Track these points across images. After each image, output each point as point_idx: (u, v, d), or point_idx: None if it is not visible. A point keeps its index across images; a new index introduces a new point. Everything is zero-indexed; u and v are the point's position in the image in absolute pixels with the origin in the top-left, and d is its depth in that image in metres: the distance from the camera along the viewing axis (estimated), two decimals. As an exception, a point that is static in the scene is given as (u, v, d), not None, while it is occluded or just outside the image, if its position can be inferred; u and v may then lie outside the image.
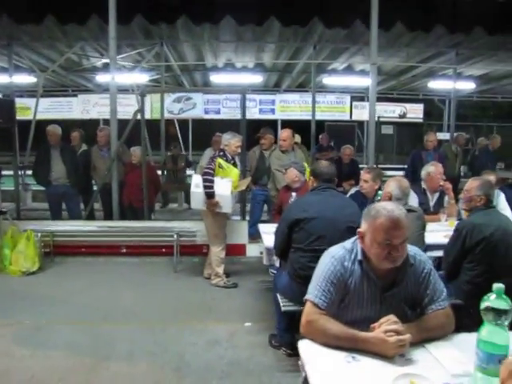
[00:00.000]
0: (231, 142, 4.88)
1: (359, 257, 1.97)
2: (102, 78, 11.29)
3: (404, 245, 1.90)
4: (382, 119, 11.44)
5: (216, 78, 11.68)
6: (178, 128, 13.50)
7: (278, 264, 3.49)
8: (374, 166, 6.81)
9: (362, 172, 4.54)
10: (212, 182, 4.72)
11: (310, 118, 13.19)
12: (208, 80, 12.38)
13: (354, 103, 13.64)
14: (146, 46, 9.58)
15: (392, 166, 12.72)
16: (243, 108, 5.94)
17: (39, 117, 10.20)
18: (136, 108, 12.22)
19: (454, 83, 10.21)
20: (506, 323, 1.53)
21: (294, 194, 4.24)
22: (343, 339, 1.81)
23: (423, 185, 4.67)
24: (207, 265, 5.07)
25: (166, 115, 13.07)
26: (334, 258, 1.99)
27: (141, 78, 11.13)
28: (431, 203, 4.62)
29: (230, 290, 4.80)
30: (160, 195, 9.03)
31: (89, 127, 13.27)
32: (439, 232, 3.98)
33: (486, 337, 1.54)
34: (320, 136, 9.59)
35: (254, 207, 6.03)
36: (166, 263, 5.58)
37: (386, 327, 1.77)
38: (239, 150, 5.03)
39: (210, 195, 4.72)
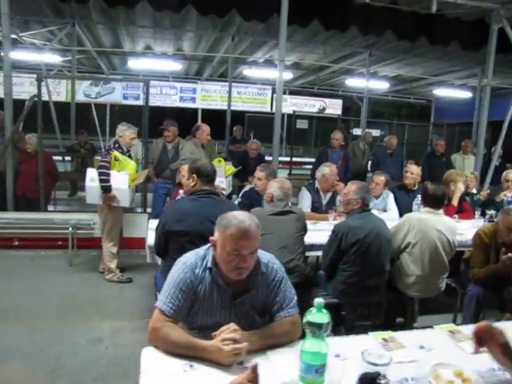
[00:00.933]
0: (125, 133, 4.79)
1: (209, 264, 1.98)
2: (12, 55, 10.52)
3: (253, 256, 1.92)
4: (298, 113, 11.65)
5: (134, 64, 11.33)
6: (94, 112, 12.95)
7: (159, 262, 3.45)
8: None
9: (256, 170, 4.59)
10: (108, 175, 4.60)
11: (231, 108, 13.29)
12: (126, 65, 11.97)
13: (275, 95, 13.76)
14: (57, 25, 9.10)
15: (310, 160, 13.06)
16: (146, 97, 5.89)
17: None
18: (50, 88, 11.70)
19: (366, 82, 10.61)
20: (325, 335, 1.61)
21: (181, 191, 4.18)
22: (183, 347, 1.81)
23: (317, 184, 4.81)
24: (101, 259, 4.94)
25: (83, 99, 12.60)
26: (185, 264, 1.99)
27: (53, 58, 10.56)
28: (324, 202, 4.78)
29: (123, 286, 4.71)
30: (69, 183, 8.68)
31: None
32: (326, 231, 4.12)
33: (306, 348, 1.61)
34: (234, 128, 9.61)
35: (155, 200, 5.94)
36: (62, 257, 5.37)
37: (223, 336, 1.80)
38: (134, 142, 4.98)
39: (106, 189, 4.60)
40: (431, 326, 3.04)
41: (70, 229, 5.23)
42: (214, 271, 1.96)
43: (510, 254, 3.36)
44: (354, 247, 3.30)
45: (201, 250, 2.06)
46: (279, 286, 2.08)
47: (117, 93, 12.83)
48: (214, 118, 13.77)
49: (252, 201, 4.51)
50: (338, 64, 11.02)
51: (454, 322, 3.96)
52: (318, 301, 1.65)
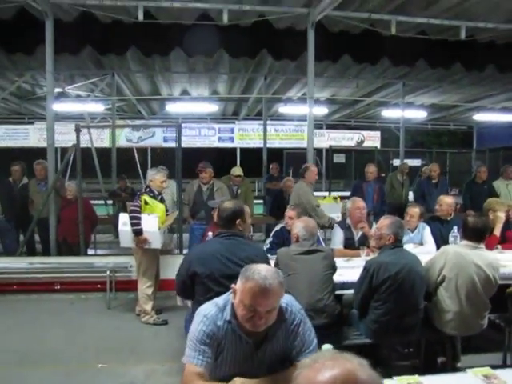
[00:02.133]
0: (156, 177, 4.97)
1: (228, 317, 1.96)
2: (57, 106, 11.19)
3: (271, 313, 1.88)
4: (335, 147, 11.64)
5: (172, 108, 11.74)
6: (136, 156, 13.42)
7: (189, 305, 3.45)
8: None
9: (287, 209, 4.59)
10: (139, 219, 4.73)
11: (269, 145, 13.46)
12: (164, 109, 12.44)
13: (307, 132, 13.83)
14: (99, 76, 9.62)
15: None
16: (179, 140, 6.07)
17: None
18: (94, 136, 12.27)
19: (402, 112, 10.51)
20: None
21: (210, 233, 4.21)
22: None
23: (348, 220, 4.74)
24: (138, 302, 5.01)
25: (125, 144, 13.12)
26: (206, 317, 1.98)
27: (97, 107, 11.12)
28: (356, 238, 4.68)
29: (158, 328, 4.73)
30: (112, 226, 8.93)
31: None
32: (359, 268, 4.02)
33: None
34: (271, 166, 9.68)
35: (191, 241, 6.00)
36: (101, 300, 5.49)
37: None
38: (164, 185, 5.12)
39: (137, 232, 4.73)
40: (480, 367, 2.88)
41: (108, 272, 5.35)
42: (233, 324, 1.95)
43: None
44: (385, 284, 3.19)
45: (220, 300, 2.05)
46: (297, 329, 2.05)
47: (157, 136, 13.28)
48: (252, 156, 14.00)
49: (284, 240, 4.47)
50: (373, 96, 10.99)
51: (504, 362, 3.72)
52: (326, 347, 1.60)
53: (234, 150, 13.75)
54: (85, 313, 5.15)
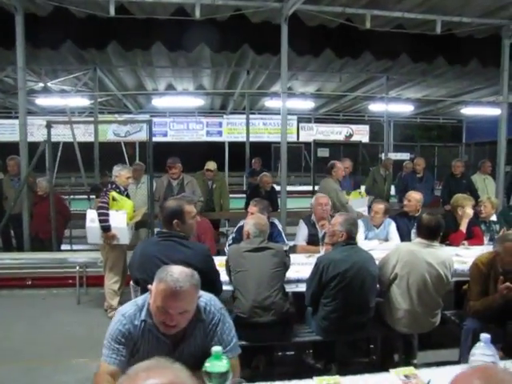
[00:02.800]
0: (121, 173, 5.00)
1: (143, 316, 1.99)
2: (41, 101, 11.20)
3: (184, 315, 1.90)
4: (319, 141, 11.62)
5: (158, 102, 11.73)
6: (124, 150, 13.43)
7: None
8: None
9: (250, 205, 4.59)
10: (107, 215, 4.76)
11: (257, 139, 13.46)
12: (151, 103, 12.42)
13: (301, 125, 13.86)
14: (82, 71, 9.59)
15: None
16: (150, 135, 6.06)
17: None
18: (82, 131, 12.27)
19: (386, 106, 10.50)
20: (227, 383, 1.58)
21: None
22: None
23: (312, 216, 4.74)
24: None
25: (113, 138, 13.11)
26: (123, 316, 2.01)
27: (82, 101, 11.10)
28: (320, 234, 4.69)
29: (123, 324, 4.75)
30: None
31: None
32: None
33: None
34: (253, 160, 9.68)
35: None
36: (72, 295, 5.50)
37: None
38: (130, 181, 5.18)
39: (106, 229, 4.76)
40: (435, 363, 2.90)
41: (78, 267, 5.37)
42: (148, 323, 1.97)
43: (507, 283, 3.17)
44: (334, 281, 3.21)
45: (139, 300, 2.07)
46: (215, 329, 2.06)
47: (145, 131, 13.19)
48: (241, 150, 13.97)
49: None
50: (358, 90, 10.97)
51: (460, 359, 3.73)
52: (216, 349, 1.62)
53: (222, 143, 13.74)
54: (54, 308, 5.16)
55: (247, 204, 7.27)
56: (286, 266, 3.43)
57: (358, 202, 6.34)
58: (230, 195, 7.82)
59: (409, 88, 11.09)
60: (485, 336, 1.73)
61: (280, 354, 3.92)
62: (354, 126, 13.96)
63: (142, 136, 13.37)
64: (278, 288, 3.30)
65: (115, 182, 4.96)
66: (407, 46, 8.36)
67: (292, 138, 13.89)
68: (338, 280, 3.19)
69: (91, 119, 10.92)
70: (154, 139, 13.25)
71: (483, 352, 1.73)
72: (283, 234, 4.59)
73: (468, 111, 12.82)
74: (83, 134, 12.84)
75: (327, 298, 3.27)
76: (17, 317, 4.92)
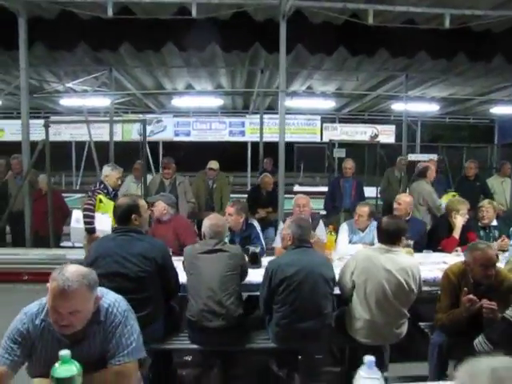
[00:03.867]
0: (112, 173, 4.99)
1: (43, 315, 1.97)
2: (65, 101, 11.52)
3: (76, 315, 1.87)
4: (334, 141, 11.37)
5: (177, 102, 11.81)
6: (148, 150, 13.61)
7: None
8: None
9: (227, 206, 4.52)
10: (92, 217, 4.78)
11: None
12: (170, 103, 12.54)
13: (325, 125, 13.61)
14: (100, 71, 9.78)
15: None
16: (144, 135, 6.05)
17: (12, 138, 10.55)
18: (106, 130, 12.54)
19: (404, 106, 10.14)
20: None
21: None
22: None
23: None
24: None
25: (137, 137, 13.34)
26: (25, 314, 2.00)
27: (103, 101, 11.33)
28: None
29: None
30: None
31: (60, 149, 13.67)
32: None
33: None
34: (264, 160, 9.57)
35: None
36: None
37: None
38: (119, 182, 5.17)
39: (90, 231, 4.78)
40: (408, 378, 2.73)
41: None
42: (48, 322, 1.94)
43: (469, 296, 2.96)
44: (282, 285, 3.08)
45: (45, 298, 2.03)
46: (115, 331, 2.01)
47: (168, 130, 13.41)
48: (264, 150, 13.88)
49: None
50: (379, 89, 10.65)
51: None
52: (63, 353, 1.57)
53: (245, 143, 13.69)
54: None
55: (248, 205, 7.19)
56: (242, 269, 3.33)
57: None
58: (236, 195, 7.77)
59: (432, 87, 10.65)
60: (369, 359, 1.59)
61: (245, 359, 3.82)
62: (379, 127, 13.56)
63: (165, 135, 13.56)
64: (231, 292, 3.19)
65: (104, 182, 4.96)
66: (425, 43, 8.07)
67: (315, 138, 13.67)
68: (285, 284, 3.06)
69: (107, 119, 11.08)
70: (178, 139, 13.59)
71: (366, 375, 1.59)
72: (261, 236, 4.49)
73: (499, 110, 12.19)
74: (108, 133, 13.12)
75: (277, 304, 3.15)
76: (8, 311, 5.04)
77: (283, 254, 3.30)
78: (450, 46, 8.09)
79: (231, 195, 7.73)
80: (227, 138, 13.54)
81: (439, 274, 3.51)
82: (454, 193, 6.71)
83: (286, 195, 14.36)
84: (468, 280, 3.11)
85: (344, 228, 4.59)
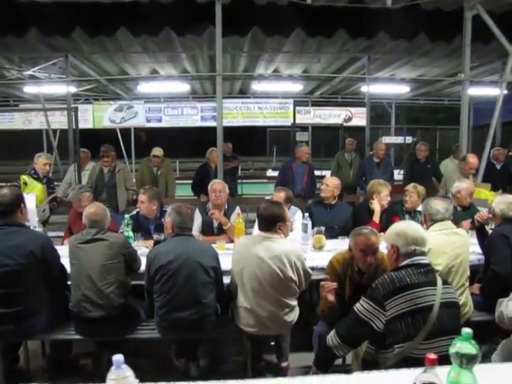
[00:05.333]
0: (39, 160, 5.43)
1: None
2: (29, 89, 11.39)
3: None
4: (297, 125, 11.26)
5: (143, 88, 11.68)
6: (120, 137, 13.54)
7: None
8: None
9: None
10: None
11: (253, 123, 13.22)
12: (136, 89, 12.40)
13: (298, 108, 13.40)
14: (57, 58, 9.62)
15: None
16: (76, 123, 6.04)
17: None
18: (80, 117, 12.36)
19: (367, 88, 9.99)
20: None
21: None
22: None
23: (208, 205, 4.53)
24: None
25: (109, 124, 13.24)
26: None
27: (70, 88, 11.18)
28: (215, 224, 4.48)
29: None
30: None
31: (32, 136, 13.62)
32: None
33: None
34: (223, 145, 9.44)
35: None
36: None
37: None
38: (47, 168, 5.50)
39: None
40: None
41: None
42: None
43: (325, 282, 2.91)
44: (158, 274, 3.03)
45: None
46: None
47: (140, 117, 13.26)
48: (236, 135, 13.77)
49: (137, 225, 4.35)
50: (345, 71, 10.47)
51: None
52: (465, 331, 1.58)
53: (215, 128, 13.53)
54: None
55: (194, 187, 7.08)
56: (126, 257, 3.26)
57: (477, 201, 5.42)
58: (187, 181, 7.71)
59: (399, 68, 10.47)
60: (116, 358, 1.52)
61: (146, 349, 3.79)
62: (353, 109, 13.34)
63: (137, 122, 13.43)
64: (111, 281, 3.14)
65: (34, 167, 5.37)
66: (384, 24, 7.91)
67: (288, 122, 13.48)
68: (161, 273, 3.02)
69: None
70: (149, 125, 13.45)
71: (115, 376, 1.52)
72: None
73: (471, 92, 11.99)
74: (79, 120, 13.00)
75: (156, 293, 3.11)
76: None
77: (163, 243, 3.24)
78: (409, 27, 7.94)
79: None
80: (199, 123, 13.38)
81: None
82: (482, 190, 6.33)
83: (261, 180, 14.29)
84: (353, 268, 3.05)
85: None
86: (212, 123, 13.40)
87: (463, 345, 1.59)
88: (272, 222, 3.08)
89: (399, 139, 12.42)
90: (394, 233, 2.42)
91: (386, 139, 12.99)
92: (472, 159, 6.05)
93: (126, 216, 4.15)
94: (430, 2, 6.77)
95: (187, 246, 3.10)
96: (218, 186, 4.46)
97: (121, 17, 7.68)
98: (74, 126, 6.04)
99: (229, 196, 6.32)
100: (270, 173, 13.09)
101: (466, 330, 1.60)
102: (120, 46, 8.97)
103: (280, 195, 4.42)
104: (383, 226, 4.56)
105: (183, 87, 11.71)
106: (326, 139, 13.46)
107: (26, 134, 13.81)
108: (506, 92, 12.09)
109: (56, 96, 11.63)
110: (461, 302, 3.22)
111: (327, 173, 8.96)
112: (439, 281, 2.28)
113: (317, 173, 7.53)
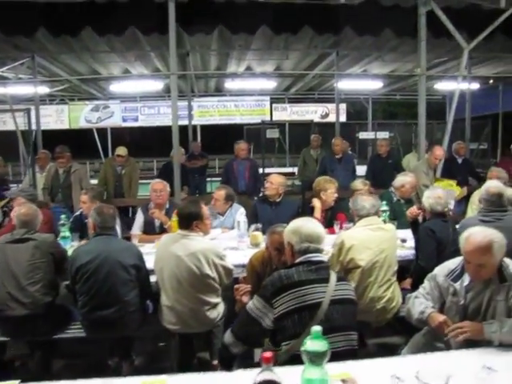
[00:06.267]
0: None
1: None
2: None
3: None
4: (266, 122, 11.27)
5: (116, 87, 11.65)
6: (96, 137, 13.51)
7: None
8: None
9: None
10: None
11: (230, 121, 13.20)
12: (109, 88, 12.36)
13: (274, 105, 13.45)
14: (24, 58, 9.57)
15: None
16: (29, 124, 5.99)
17: None
18: (54, 118, 12.33)
19: (335, 84, 10.01)
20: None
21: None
22: None
23: (150, 204, 4.53)
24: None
25: (85, 125, 13.22)
26: None
27: (41, 89, 11.15)
28: (157, 223, 4.48)
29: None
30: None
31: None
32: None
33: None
34: (193, 143, 9.50)
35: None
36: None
37: None
38: None
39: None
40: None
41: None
42: None
43: (238, 285, 2.92)
44: (78, 273, 3.05)
45: None
46: None
47: (116, 116, 13.24)
48: (213, 133, 13.79)
49: (81, 225, 4.35)
50: (317, 68, 10.48)
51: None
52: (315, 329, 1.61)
53: (193, 127, 13.52)
54: None
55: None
56: (55, 257, 3.26)
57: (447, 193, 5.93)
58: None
59: (370, 64, 10.48)
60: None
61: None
62: (330, 106, 13.37)
63: (113, 122, 13.41)
64: (37, 280, 3.15)
65: None
66: (348, 19, 7.92)
67: (265, 119, 13.49)
68: (81, 272, 3.05)
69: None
70: (125, 125, 13.44)
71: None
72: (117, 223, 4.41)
73: (442, 86, 12.08)
74: (55, 121, 13.00)
75: (78, 293, 3.12)
76: None
77: (86, 243, 3.25)
78: (374, 22, 7.96)
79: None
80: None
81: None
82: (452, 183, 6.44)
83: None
84: (272, 267, 3.06)
85: (205, 212, 4.50)
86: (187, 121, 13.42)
87: (313, 343, 1.60)
88: (189, 220, 3.09)
89: (371, 135, 12.45)
90: (290, 230, 2.42)
91: (364, 135, 13.05)
92: (438, 151, 6.28)
93: (62, 216, 4.13)
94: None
95: (108, 245, 3.11)
96: (158, 185, 4.46)
97: (84, 16, 7.63)
98: (28, 127, 5.92)
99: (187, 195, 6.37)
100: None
101: (316, 329, 1.62)
102: (87, 46, 8.93)
103: (220, 193, 4.44)
104: (327, 223, 4.61)
105: (157, 86, 11.68)
106: (303, 136, 13.44)
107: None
108: (478, 86, 12.24)
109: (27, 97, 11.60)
110: (386, 298, 3.28)
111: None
112: (333, 277, 2.28)
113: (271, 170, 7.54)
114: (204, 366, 3.60)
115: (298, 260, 2.33)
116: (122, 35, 8.27)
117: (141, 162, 15.00)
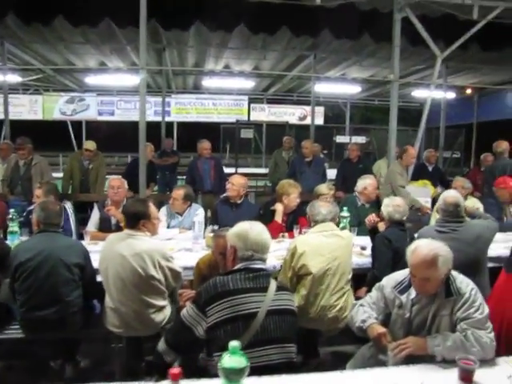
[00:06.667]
0: None
1: None
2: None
3: None
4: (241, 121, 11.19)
5: (92, 80, 11.43)
6: (71, 129, 13.25)
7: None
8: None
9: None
10: None
11: (207, 120, 13.07)
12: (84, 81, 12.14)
13: (252, 105, 13.36)
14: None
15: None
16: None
17: None
18: (27, 108, 12.06)
19: (312, 87, 9.96)
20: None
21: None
22: None
23: (107, 201, 4.41)
24: None
25: (59, 116, 12.94)
26: None
27: (12, 77, 10.84)
28: (113, 221, 4.36)
29: None
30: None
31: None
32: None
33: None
34: (165, 140, 9.37)
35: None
36: None
37: None
38: None
39: None
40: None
41: None
42: None
43: (182, 291, 2.88)
44: (17, 272, 2.92)
45: None
46: None
47: (92, 109, 12.99)
48: (190, 130, 13.65)
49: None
50: (295, 69, 10.42)
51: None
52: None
53: (170, 123, 13.37)
54: None
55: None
56: None
57: (420, 190, 6.06)
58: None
59: (349, 67, 10.47)
60: None
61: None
62: (308, 108, 13.31)
63: (89, 115, 13.16)
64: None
65: None
66: (327, 22, 7.89)
67: (243, 118, 13.41)
68: (20, 270, 2.91)
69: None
70: (101, 118, 13.21)
71: None
72: (71, 219, 4.28)
73: (417, 94, 12.19)
74: (29, 111, 12.70)
75: (16, 292, 2.98)
76: None
77: (27, 239, 3.13)
78: (352, 27, 7.94)
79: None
80: (152, 117, 13.15)
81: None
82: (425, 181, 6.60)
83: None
84: (218, 271, 2.96)
85: (162, 212, 4.40)
86: (166, 118, 13.25)
87: (230, 359, 1.52)
88: (135, 219, 2.98)
89: (348, 139, 12.46)
90: (235, 234, 2.33)
91: (341, 139, 13.06)
92: (412, 150, 6.52)
93: (11, 210, 3.98)
94: (364, 2, 6.70)
95: (50, 243, 2.98)
96: (115, 182, 4.34)
97: (57, 5, 7.43)
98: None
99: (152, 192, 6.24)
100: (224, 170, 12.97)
101: (233, 344, 1.54)
102: (61, 36, 8.72)
103: (179, 192, 4.34)
104: (288, 227, 4.55)
105: (134, 80, 11.45)
106: (280, 137, 13.44)
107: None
108: (455, 96, 12.36)
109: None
110: (339, 307, 3.21)
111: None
112: (272, 286, 2.20)
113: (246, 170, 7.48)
114: (152, 370, 3.49)
115: (236, 266, 2.24)
116: (96, 27, 8.09)
117: (116, 157, 14.85)
